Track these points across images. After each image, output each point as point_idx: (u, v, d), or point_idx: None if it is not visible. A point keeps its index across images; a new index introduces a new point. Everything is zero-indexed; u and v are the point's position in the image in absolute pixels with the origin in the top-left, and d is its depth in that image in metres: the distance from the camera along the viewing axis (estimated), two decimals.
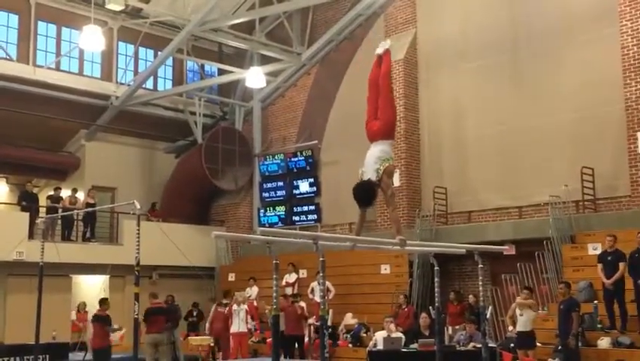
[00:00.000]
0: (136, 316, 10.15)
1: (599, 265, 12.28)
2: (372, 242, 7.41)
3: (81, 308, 18.10)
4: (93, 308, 17.56)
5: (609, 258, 12.19)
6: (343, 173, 17.83)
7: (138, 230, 10.03)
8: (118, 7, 19.13)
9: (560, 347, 11.73)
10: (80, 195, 18.93)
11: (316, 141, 19.73)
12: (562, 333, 11.55)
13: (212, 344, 16.55)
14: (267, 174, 20.79)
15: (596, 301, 12.60)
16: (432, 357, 9.28)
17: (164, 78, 21.92)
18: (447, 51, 17.29)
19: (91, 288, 18.93)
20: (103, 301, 13.32)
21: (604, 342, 11.86)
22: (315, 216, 19.49)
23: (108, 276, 17.23)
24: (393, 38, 18.09)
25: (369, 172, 6.57)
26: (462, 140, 16.80)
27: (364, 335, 15.15)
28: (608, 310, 12.17)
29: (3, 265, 16.38)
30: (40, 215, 17.31)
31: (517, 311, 11.86)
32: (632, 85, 13.83)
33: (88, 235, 18.70)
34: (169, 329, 15.99)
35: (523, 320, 11.74)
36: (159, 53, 20.04)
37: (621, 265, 11.99)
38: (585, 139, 14.73)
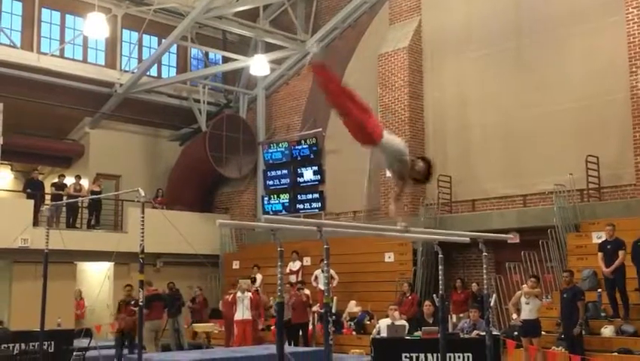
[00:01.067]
0: (141, 303, 10.18)
1: (600, 255, 12.28)
2: (376, 229, 7.41)
3: (77, 296, 18.17)
4: (93, 296, 17.75)
5: (609, 247, 12.19)
6: (347, 161, 17.85)
7: (142, 218, 10.03)
8: None
9: (563, 335, 11.75)
10: (84, 183, 18.97)
11: (320, 129, 19.71)
12: (565, 321, 11.57)
13: (216, 331, 16.65)
14: (271, 162, 20.79)
15: (599, 290, 12.59)
16: (435, 345, 9.30)
17: (168, 66, 21.90)
18: (451, 39, 17.22)
19: (95, 275, 19.01)
20: (124, 288, 14.10)
21: (607, 330, 11.87)
22: (319, 204, 19.50)
23: (112, 263, 17.27)
24: (397, 26, 18.10)
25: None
26: (466, 128, 16.76)
27: (368, 322, 15.20)
28: (610, 299, 12.18)
29: (8, 252, 16.42)
30: (45, 202, 17.36)
31: (523, 299, 11.85)
32: (637, 73, 13.76)
33: (93, 222, 18.76)
34: (173, 316, 16.07)
35: (529, 308, 11.73)
36: (163, 40, 19.94)
37: (620, 253, 11.98)
38: (590, 127, 14.69)
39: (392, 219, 6.61)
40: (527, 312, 11.77)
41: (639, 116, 13.69)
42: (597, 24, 14.76)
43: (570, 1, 15.26)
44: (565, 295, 11.61)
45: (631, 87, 13.88)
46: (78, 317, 17.83)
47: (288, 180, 20.31)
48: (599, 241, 12.82)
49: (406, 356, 10.53)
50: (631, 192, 14.03)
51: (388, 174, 6.53)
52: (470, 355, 10.29)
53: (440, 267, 8.44)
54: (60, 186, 18.33)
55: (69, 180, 18.76)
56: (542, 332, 12.03)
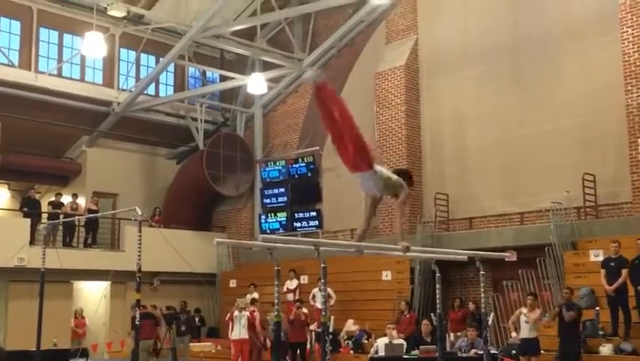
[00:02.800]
0: (137, 322, 10.14)
1: (602, 271, 12.26)
2: (376, 248, 7.40)
3: (78, 314, 18.07)
4: (90, 315, 17.69)
5: (612, 264, 12.17)
6: (344, 179, 17.81)
7: (140, 236, 10.03)
8: (120, 14, 19.20)
9: (559, 353, 11.68)
10: (81, 201, 18.94)
11: (317, 147, 19.72)
12: (564, 339, 11.51)
13: (213, 351, 16.56)
14: (268, 180, 20.80)
15: (597, 308, 12.57)
16: None
17: (166, 84, 21.95)
18: (448, 57, 17.29)
19: (92, 294, 18.92)
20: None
21: (606, 349, 11.82)
22: (317, 223, 19.48)
23: (109, 282, 17.21)
24: (394, 44, 18.18)
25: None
26: (463, 146, 16.79)
27: (366, 341, 15.11)
28: (613, 317, 12.14)
29: (4, 272, 16.38)
30: (42, 221, 17.32)
31: (523, 318, 11.80)
32: (633, 92, 13.82)
33: (89, 241, 18.71)
34: (181, 335, 16.15)
35: (529, 327, 11.69)
36: (161, 59, 20.06)
37: (624, 271, 11.96)
38: (587, 145, 14.73)
39: (396, 237, 6.63)
40: (527, 331, 11.72)
41: (635, 135, 13.74)
42: (593, 42, 14.84)
43: (566, 19, 15.35)
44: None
45: (626, 105, 13.93)
46: (79, 335, 17.71)
47: (286, 198, 20.31)
48: (597, 258, 12.81)
49: None
50: (628, 210, 14.04)
51: (367, 194, 6.57)
52: None
53: (437, 285, 8.43)
54: (57, 204, 18.31)
55: (66, 199, 18.73)
56: (541, 351, 11.98)
